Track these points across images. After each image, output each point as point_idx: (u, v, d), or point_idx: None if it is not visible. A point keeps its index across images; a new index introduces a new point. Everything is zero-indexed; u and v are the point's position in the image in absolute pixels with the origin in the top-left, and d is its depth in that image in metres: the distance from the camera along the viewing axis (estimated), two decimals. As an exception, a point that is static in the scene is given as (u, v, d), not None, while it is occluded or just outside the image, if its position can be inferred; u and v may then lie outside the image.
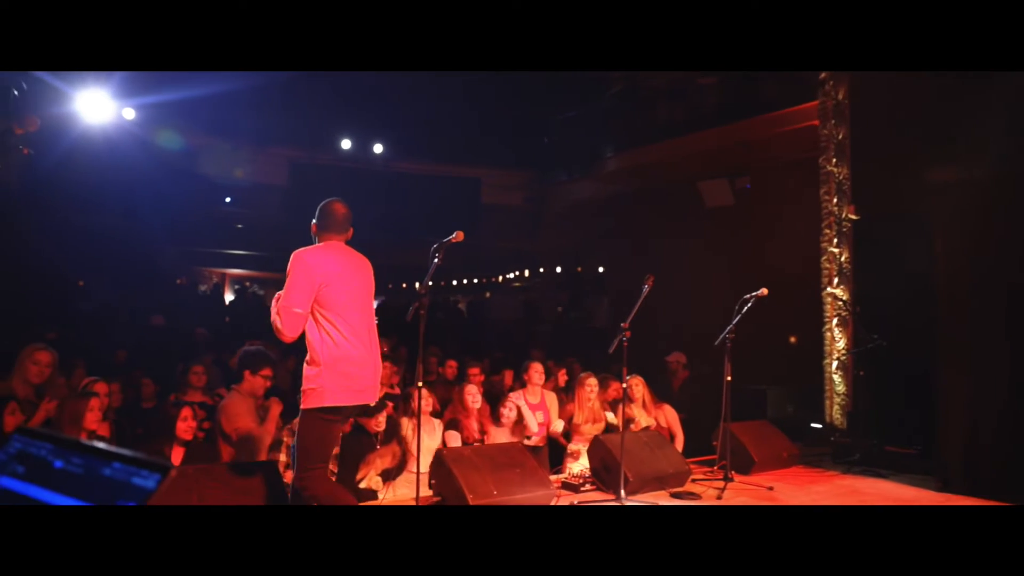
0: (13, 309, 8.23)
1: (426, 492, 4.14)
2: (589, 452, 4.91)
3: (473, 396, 5.33)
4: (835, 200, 6.66)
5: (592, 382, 5.54)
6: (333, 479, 4.35)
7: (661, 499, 4.55)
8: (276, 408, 4.58)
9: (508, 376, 6.88)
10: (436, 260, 3.64)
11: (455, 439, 5.19)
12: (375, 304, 3.71)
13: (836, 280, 6.61)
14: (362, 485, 4.60)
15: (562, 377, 6.66)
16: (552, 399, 5.82)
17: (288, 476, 3.90)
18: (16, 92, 3.90)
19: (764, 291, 4.86)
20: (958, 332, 5.03)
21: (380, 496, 4.55)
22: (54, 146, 6.60)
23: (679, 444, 5.83)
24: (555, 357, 7.33)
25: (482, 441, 5.28)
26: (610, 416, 5.52)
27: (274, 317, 3.37)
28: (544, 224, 14.23)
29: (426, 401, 4.88)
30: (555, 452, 5.59)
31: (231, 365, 6.59)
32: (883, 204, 6.30)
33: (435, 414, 5.42)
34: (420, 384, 3.89)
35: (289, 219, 11.22)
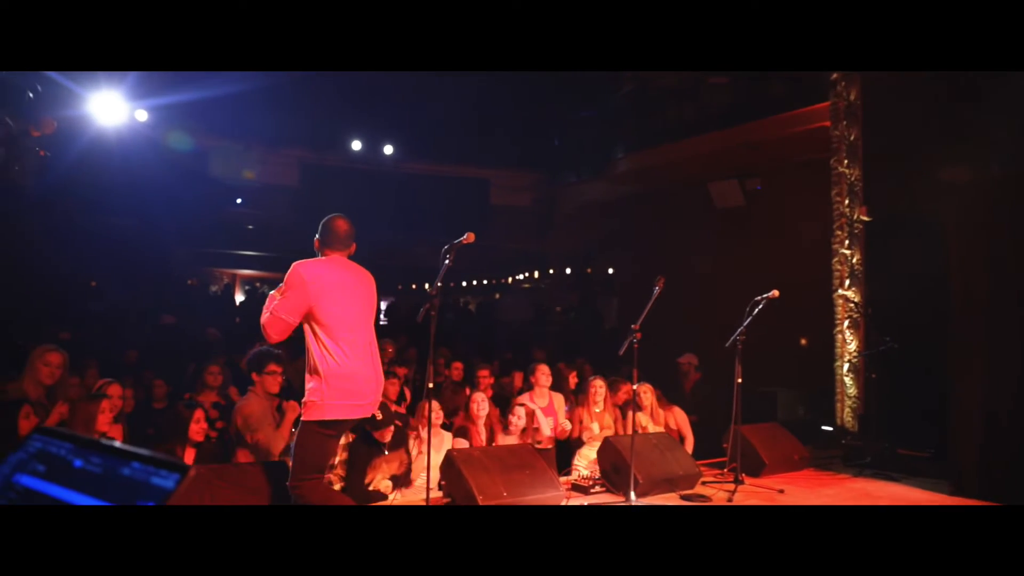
0: (26, 309, 8.30)
1: (435, 495, 4.15)
2: (599, 454, 4.90)
3: (479, 404, 5.32)
4: (846, 202, 6.63)
5: (599, 383, 5.52)
6: (341, 484, 4.37)
7: (671, 501, 4.54)
8: (292, 413, 4.60)
9: (518, 378, 6.88)
10: (447, 261, 3.65)
11: (463, 447, 5.19)
12: (384, 305, 3.72)
13: (847, 282, 6.58)
14: (371, 488, 4.61)
15: (573, 379, 6.65)
16: (559, 400, 5.82)
17: None
18: (31, 94, 3.93)
19: (775, 293, 4.84)
20: (971, 334, 4.99)
21: (390, 499, 4.56)
22: (69, 148, 6.65)
23: (689, 446, 5.81)
24: (565, 359, 7.32)
25: (490, 444, 5.28)
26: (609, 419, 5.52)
27: (264, 317, 3.44)
28: (553, 225, 14.23)
29: (436, 414, 4.86)
30: (562, 453, 5.58)
31: (241, 366, 6.63)
32: (895, 205, 6.27)
33: (444, 426, 5.40)
34: (431, 385, 3.90)
35: (299, 220, 11.25)
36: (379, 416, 3.81)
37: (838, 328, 6.61)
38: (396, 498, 4.59)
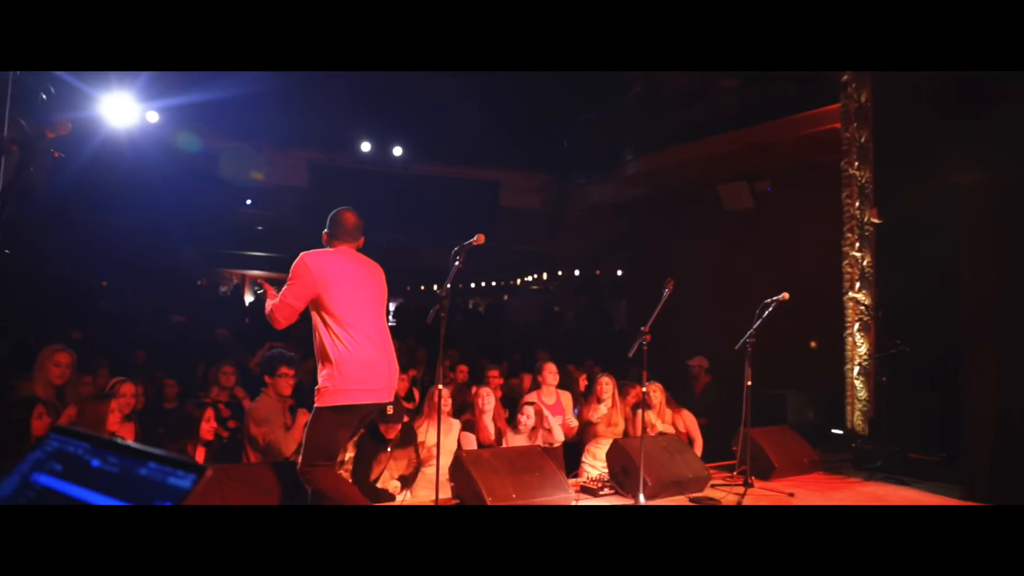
0: (39, 309, 8.36)
1: (445, 491, 4.15)
2: (608, 456, 4.90)
3: (484, 398, 5.34)
4: (857, 204, 6.60)
5: (606, 379, 5.52)
6: (349, 479, 4.38)
7: (680, 504, 4.53)
8: (302, 418, 4.62)
9: (527, 380, 6.89)
10: (457, 263, 3.66)
11: (470, 441, 5.21)
12: (393, 307, 3.74)
13: (858, 284, 6.55)
14: (379, 485, 4.62)
15: (583, 382, 6.65)
16: (567, 398, 5.82)
17: None
18: (44, 96, 3.95)
19: (785, 295, 4.83)
20: (985, 336, 4.96)
21: (398, 499, 4.57)
22: (80, 150, 6.70)
23: (698, 449, 5.79)
24: (574, 361, 7.32)
25: (498, 443, 5.29)
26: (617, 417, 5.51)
27: (268, 306, 3.52)
28: (563, 227, 14.22)
29: (445, 402, 4.90)
30: (570, 453, 5.57)
31: (250, 367, 6.66)
32: (906, 207, 6.23)
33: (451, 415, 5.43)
34: (440, 387, 3.91)
35: (308, 221, 11.28)
36: (391, 411, 3.81)
37: (848, 331, 6.58)
38: (406, 498, 4.60)
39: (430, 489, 4.62)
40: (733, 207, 9.68)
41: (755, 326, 4.82)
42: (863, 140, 6.60)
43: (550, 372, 5.71)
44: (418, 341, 8.34)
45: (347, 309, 3.43)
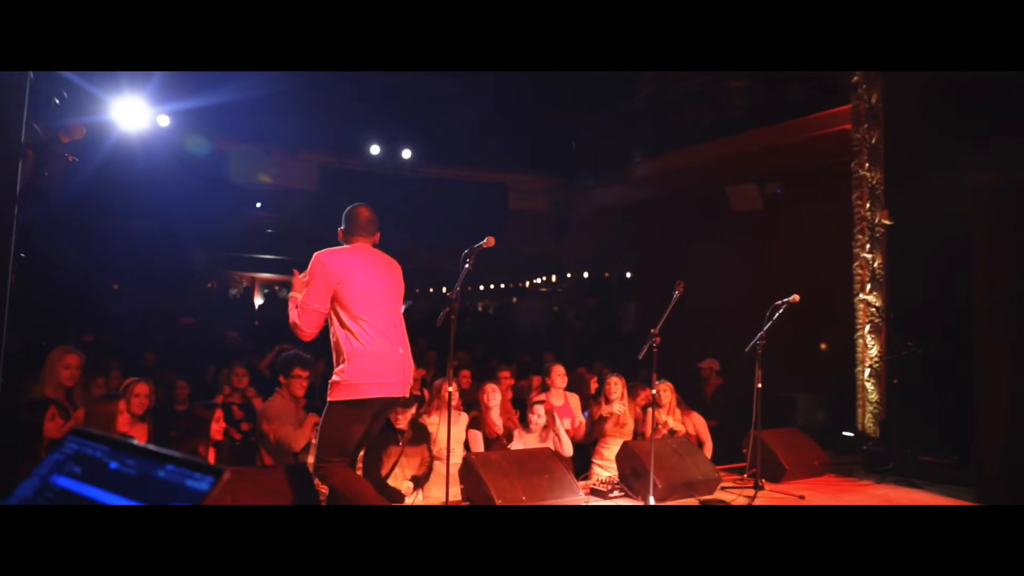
0: (51, 311, 8.43)
1: (455, 488, 4.15)
2: (618, 458, 4.90)
3: (490, 394, 5.34)
4: (868, 205, 6.57)
5: (616, 379, 5.51)
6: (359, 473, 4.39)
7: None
8: (311, 420, 4.64)
9: (535, 382, 6.88)
10: (467, 265, 3.66)
11: (477, 438, 5.22)
12: (403, 307, 3.75)
13: (869, 286, 6.52)
14: (390, 482, 4.63)
15: (593, 384, 6.64)
16: (575, 400, 5.82)
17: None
18: (57, 101, 3.98)
19: (796, 297, 4.81)
20: (997, 338, 4.93)
21: (408, 500, 4.58)
22: (93, 153, 6.74)
23: (708, 451, 5.78)
24: (583, 363, 7.31)
25: (506, 440, 5.29)
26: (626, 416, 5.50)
27: (292, 314, 3.47)
28: (571, 229, 14.20)
29: (452, 397, 4.92)
30: (579, 457, 5.55)
31: (261, 368, 6.69)
32: (918, 208, 6.19)
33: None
34: (451, 388, 3.92)
35: (318, 224, 11.32)
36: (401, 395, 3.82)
37: (859, 333, 6.55)
38: (418, 498, 4.61)
39: (441, 485, 4.63)
40: (742, 209, 9.65)
41: (765, 328, 4.81)
42: (874, 141, 6.57)
43: (558, 374, 5.71)
44: (428, 343, 8.36)
45: (362, 304, 3.43)
